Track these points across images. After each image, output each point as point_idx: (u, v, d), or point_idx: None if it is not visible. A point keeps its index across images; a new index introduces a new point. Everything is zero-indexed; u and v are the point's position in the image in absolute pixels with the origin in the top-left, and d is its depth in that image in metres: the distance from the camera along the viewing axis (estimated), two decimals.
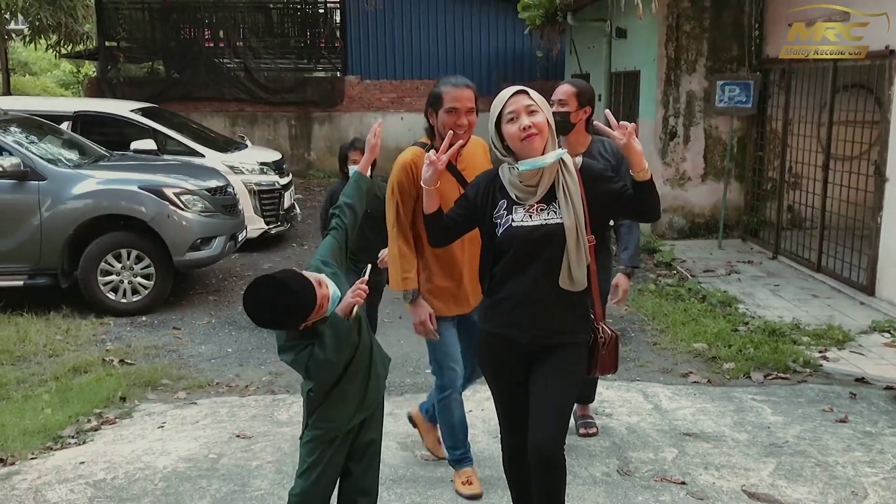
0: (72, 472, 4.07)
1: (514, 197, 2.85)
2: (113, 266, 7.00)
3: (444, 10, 16.95)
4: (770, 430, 4.50)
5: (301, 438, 2.92)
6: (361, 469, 2.96)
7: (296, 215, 10.42)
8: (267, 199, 9.58)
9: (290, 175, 10.64)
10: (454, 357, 3.70)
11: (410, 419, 4.24)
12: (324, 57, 17.53)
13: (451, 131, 3.20)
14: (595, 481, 3.93)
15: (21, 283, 6.92)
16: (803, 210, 8.63)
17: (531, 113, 2.76)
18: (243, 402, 5.05)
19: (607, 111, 2.98)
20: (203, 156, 9.36)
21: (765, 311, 6.71)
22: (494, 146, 2.88)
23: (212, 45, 17.25)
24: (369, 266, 2.85)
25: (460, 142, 3.16)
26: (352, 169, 4.10)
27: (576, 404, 4.46)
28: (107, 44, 16.97)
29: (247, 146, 10.91)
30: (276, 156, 10.58)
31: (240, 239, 8.02)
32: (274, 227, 9.68)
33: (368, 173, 3.23)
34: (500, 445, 3.22)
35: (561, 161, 2.82)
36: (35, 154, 7.03)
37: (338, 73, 17.25)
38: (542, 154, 2.78)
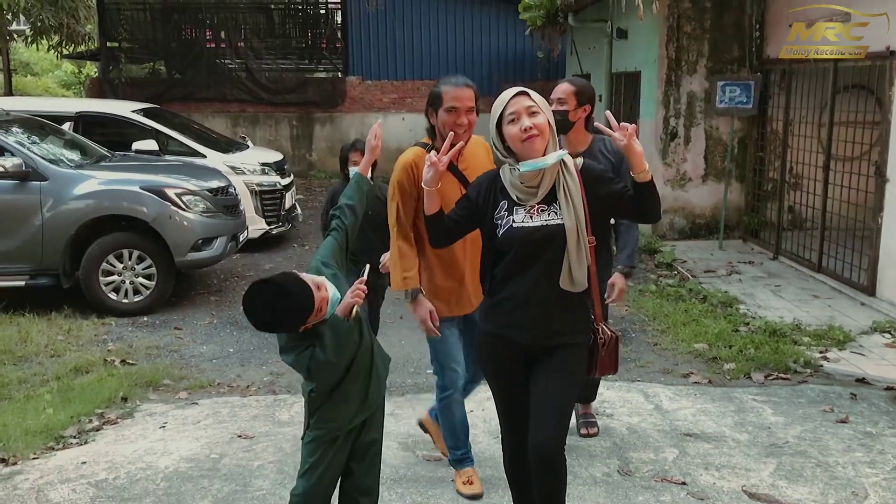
0: (74, 471, 4.08)
1: (514, 198, 2.85)
2: (114, 266, 7.01)
3: (446, 10, 16.97)
4: (771, 431, 4.51)
5: (303, 439, 2.93)
6: (363, 469, 2.97)
7: (297, 216, 10.43)
8: (268, 200, 9.59)
9: (292, 175, 10.65)
10: (455, 358, 3.70)
11: (421, 425, 4.24)
12: (325, 57, 17.54)
13: (452, 132, 3.20)
14: (596, 481, 3.93)
15: (23, 283, 6.93)
16: (804, 211, 8.64)
17: (532, 114, 2.77)
18: (245, 402, 5.06)
19: (608, 112, 2.98)
20: (204, 156, 9.37)
21: (765, 311, 6.72)
22: (495, 147, 2.89)
23: (213, 45, 17.26)
24: (368, 266, 2.86)
25: (461, 143, 3.16)
26: (352, 170, 4.11)
27: (578, 403, 4.47)
28: (108, 44, 16.98)
29: (248, 147, 10.92)
30: (278, 156, 10.59)
31: (241, 239, 8.03)
32: (275, 228, 9.69)
33: (369, 174, 3.24)
34: (500, 445, 3.23)
35: (562, 162, 2.83)
36: (37, 154, 7.04)
37: (339, 73, 17.26)
38: (543, 155, 2.79)
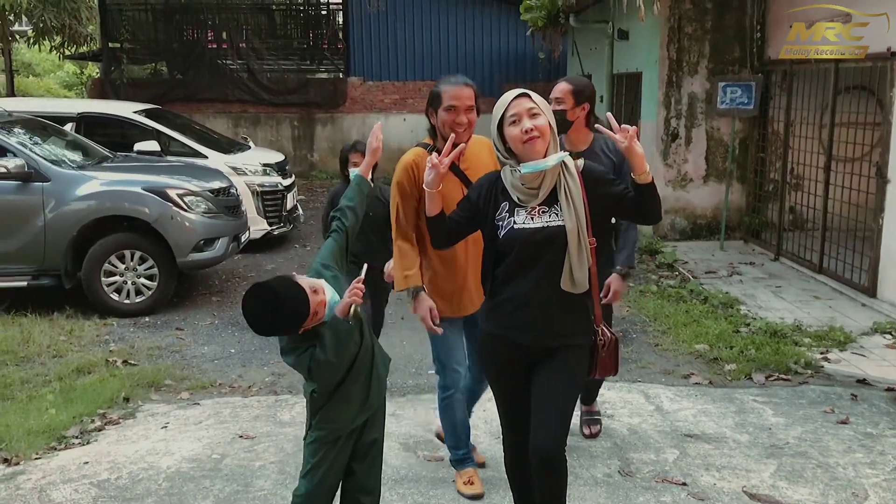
0: (76, 472, 4.09)
1: (516, 199, 2.86)
2: (116, 267, 7.03)
3: (447, 11, 16.99)
4: (771, 432, 4.52)
5: (305, 439, 2.94)
6: (365, 469, 2.98)
7: (298, 216, 10.45)
8: (270, 201, 9.61)
9: (293, 176, 10.67)
10: (457, 358, 3.72)
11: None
12: (326, 58, 17.56)
13: (453, 133, 3.21)
14: (596, 482, 3.94)
15: (25, 283, 6.95)
16: (805, 211, 8.64)
17: (533, 116, 2.78)
18: (246, 402, 5.07)
19: (609, 114, 2.99)
20: (206, 157, 9.38)
21: (766, 312, 6.72)
22: (497, 149, 2.90)
23: (215, 46, 17.28)
24: (365, 266, 2.88)
25: (462, 145, 3.17)
26: (352, 171, 4.11)
27: (585, 405, 4.47)
28: (110, 45, 17.01)
29: (250, 147, 10.94)
30: (279, 157, 10.61)
31: (243, 240, 8.04)
32: (277, 228, 9.70)
33: (370, 176, 3.25)
34: (501, 446, 3.24)
35: (563, 164, 2.84)
36: (39, 155, 7.06)
37: (340, 74, 17.27)
38: (545, 157, 2.79)
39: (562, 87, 3.95)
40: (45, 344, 6.13)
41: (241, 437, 4.51)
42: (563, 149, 3.68)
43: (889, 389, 5.13)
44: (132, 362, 5.81)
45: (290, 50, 17.53)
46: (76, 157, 7.64)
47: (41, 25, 17.07)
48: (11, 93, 18.62)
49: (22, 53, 27.63)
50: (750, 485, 3.90)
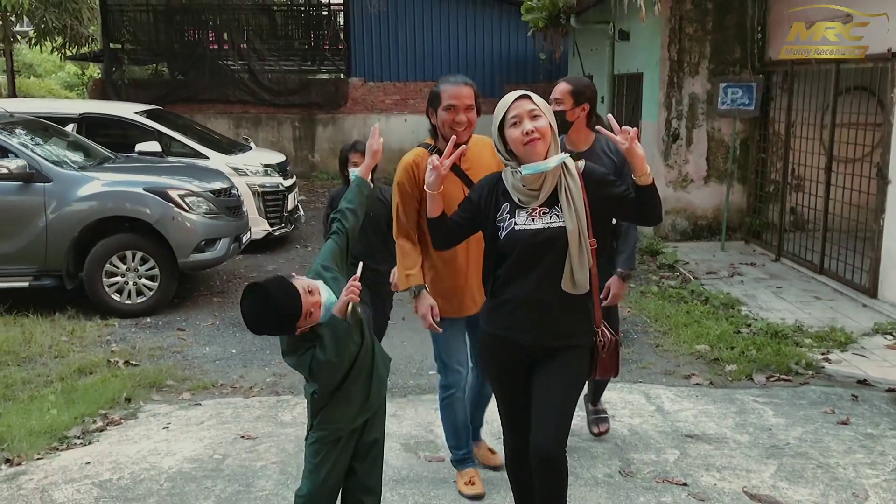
0: (78, 472, 4.10)
1: (516, 200, 2.87)
2: (118, 267, 7.04)
3: (448, 12, 17.00)
4: (772, 432, 4.52)
5: (306, 440, 2.95)
6: (366, 468, 2.99)
7: (299, 217, 10.46)
8: (271, 201, 9.62)
9: (294, 177, 10.68)
10: (458, 359, 3.72)
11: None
12: (327, 59, 17.57)
13: (454, 134, 3.21)
14: (597, 482, 3.95)
15: (27, 284, 6.96)
16: (806, 212, 8.64)
17: (534, 117, 2.78)
18: (248, 403, 5.08)
19: (610, 115, 3.00)
20: (207, 158, 9.39)
21: (767, 313, 6.73)
22: (498, 150, 2.90)
23: (216, 47, 17.30)
24: (361, 264, 2.89)
25: (463, 146, 3.18)
26: (352, 171, 4.11)
27: (591, 405, 4.47)
28: (111, 46, 17.04)
29: (251, 148, 10.95)
30: (280, 157, 10.62)
31: (244, 240, 8.05)
32: (278, 229, 9.71)
33: (370, 177, 3.26)
34: (502, 446, 3.24)
35: (564, 165, 2.84)
36: (40, 156, 7.07)
37: (341, 74, 17.28)
38: (545, 158, 2.80)
39: (561, 88, 3.95)
40: (47, 344, 6.14)
41: (242, 437, 4.51)
42: (564, 149, 3.70)
43: (890, 390, 5.13)
44: (134, 363, 5.82)
45: (291, 51, 17.55)
46: (77, 157, 7.65)
47: (42, 26, 17.10)
48: (13, 93, 18.67)
49: (23, 54, 27.68)
50: (750, 485, 3.91)
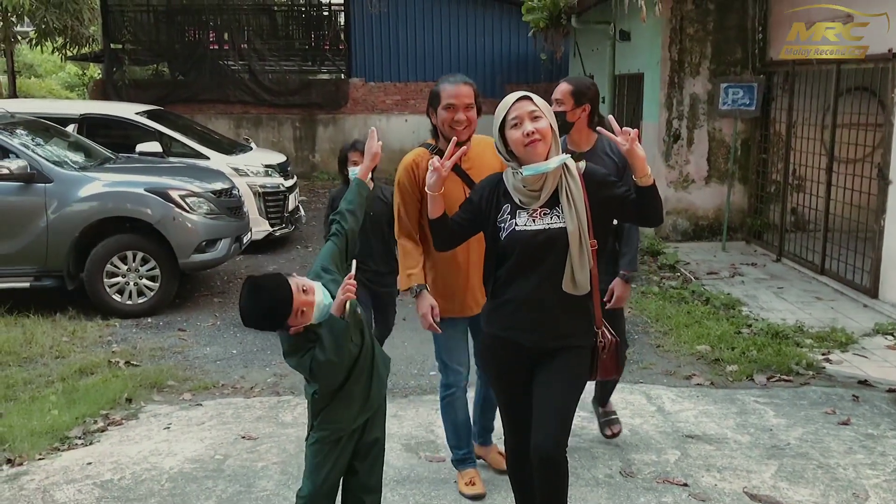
0: (79, 472, 4.10)
1: (517, 201, 2.88)
2: (119, 268, 7.04)
3: (448, 12, 17.00)
4: (772, 433, 4.52)
5: (307, 440, 2.96)
6: (366, 468, 3.00)
7: (300, 217, 10.46)
8: (271, 202, 9.62)
9: (295, 177, 10.68)
10: (459, 359, 3.72)
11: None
12: (328, 59, 17.57)
13: (454, 136, 3.21)
14: (598, 482, 3.95)
15: (27, 284, 6.97)
16: (807, 212, 8.64)
17: (535, 119, 2.79)
18: (248, 403, 5.08)
19: (610, 116, 3.00)
20: (208, 158, 9.40)
21: (768, 313, 6.73)
22: (499, 151, 2.91)
23: (216, 47, 17.31)
24: (354, 262, 2.89)
25: (464, 147, 3.18)
26: (352, 170, 4.11)
27: (600, 406, 4.46)
28: (112, 46, 17.04)
29: (251, 148, 10.96)
30: (281, 158, 10.62)
31: (244, 241, 8.05)
32: (278, 229, 9.71)
33: (369, 176, 3.27)
34: (503, 446, 3.24)
35: (564, 166, 2.85)
36: (41, 156, 7.07)
37: (342, 75, 17.28)
38: (546, 159, 2.80)
39: (562, 88, 3.95)
40: (48, 345, 6.15)
41: (243, 437, 4.52)
42: (566, 150, 3.70)
43: (890, 390, 5.13)
44: (135, 363, 5.82)
45: (291, 51, 17.55)
46: (78, 158, 7.65)
47: (43, 27, 17.11)
48: (13, 94, 18.68)
49: (24, 54, 27.69)
50: (751, 485, 3.91)
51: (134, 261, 7.07)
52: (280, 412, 4.91)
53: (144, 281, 7.10)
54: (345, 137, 15.65)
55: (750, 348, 5.80)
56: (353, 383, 2.86)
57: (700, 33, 9.48)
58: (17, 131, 7.40)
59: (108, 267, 7.01)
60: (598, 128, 3.11)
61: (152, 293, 7.12)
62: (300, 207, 10.58)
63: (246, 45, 16.97)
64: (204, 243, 7.24)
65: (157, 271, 7.11)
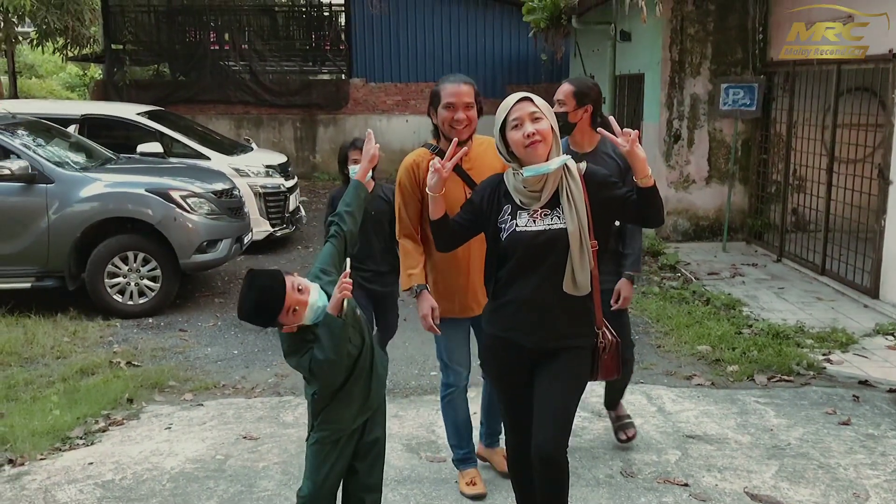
0: (80, 472, 4.11)
1: (518, 202, 2.88)
2: (120, 268, 7.05)
3: (449, 12, 17.00)
4: (773, 433, 4.52)
5: (307, 440, 2.96)
6: (367, 467, 3.01)
7: (301, 218, 10.46)
8: (272, 202, 9.62)
9: (296, 178, 10.68)
10: (459, 360, 3.73)
11: (479, 456, 4.17)
12: (329, 59, 17.58)
13: (455, 137, 3.22)
14: (598, 483, 3.95)
15: (29, 285, 6.97)
16: (807, 213, 8.64)
17: (535, 120, 2.79)
18: (249, 403, 5.09)
19: (611, 117, 3.00)
20: (209, 158, 9.40)
21: (769, 313, 6.73)
22: (500, 152, 2.91)
23: (217, 47, 17.31)
24: (348, 260, 2.90)
25: (465, 149, 3.18)
26: (352, 169, 4.11)
27: (610, 410, 4.43)
28: (113, 47, 17.05)
29: (252, 149, 10.96)
30: (282, 158, 10.62)
31: (245, 241, 8.06)
32: (279, 230, 9.72)
33: (370, 175, 3.27)
34: (504, 446, 3.25)
35: (565, 167, 2.85)
36: (42, 157, 7.08)
37: (343, 75, 17.29)
38: (547, 160, 2.81)
39: (564, 89, 3.95)
40: (49, 345, 6.15)
41: (244, 438, 4.52)
42: (568, 151, 3.71)
43: (891, 391, 5.13)
44: (136, 363, 5.83)
45: (292, 51, 17.56)
46: (79, 158, 7.66)
47: (44, 27, 17.10)
48: (14, 94, 18.68)
49: (25, 55, 27.68)
50: (751, 485, 3.91)
51: (135, 261, 7.07)
52: (281, 412, 4.91)
53: (145, 281, 7.11)
54: (345, 138, 15.48)
55: (750, 348, 5.80)
56: (352, 383, 2.86)
57: (700, 34, 9.49)
58: (19, 132, 7.40)
59: (110, 267, 7.01)
60: (599, 129, 3.11)
61: (153, 293, 7.12)
62: (301, 208, 10.59)
63: (247, 46, 16.98)
64: (205, 244, 7.25)
65: (158, 272, 7.11)
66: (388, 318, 4.94)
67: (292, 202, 10.01)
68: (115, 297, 7.04)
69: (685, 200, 9.74)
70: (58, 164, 7.14)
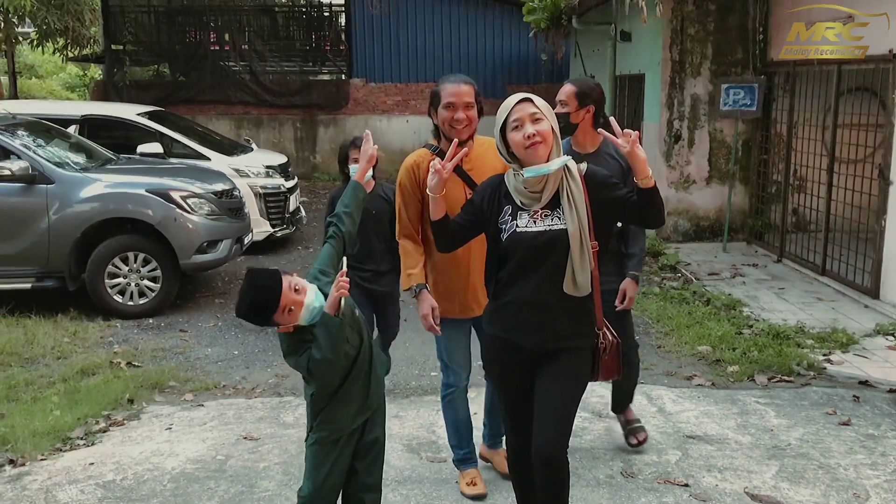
0: (81, 472, 4.11)
1: (518, 203, 2.88)
2: (120, 269, 7.05)
3: (449, 12, 17.00)
4: (773, 433, 4.52)
5: (306, 441, 2.97)
6: (366, 467, 3.01)
7: (301, 218, 10.46)
8: (272, 202, 9.62)
9: (296, 178, 10.68)
10: (459, 361, 3.73)
11: (481, 456, 4.15)
12: (329, 60, 17.57)
13: (455, 138, 3.22)
14: (599, 483, 3.95)
15: (29, 285, 6.97)
16: (808, 213, 8.65)
17: (536, 121, 2.79)
18: (250, 404, 5.09)
19: (612, 118, 3.00)
20: (209, 159, 9.40)
21: (769, 314, 6.73)
22: (500, 153, 2.91)
23: (217, 48, 17.30)
24: (345, 259, 2.90)
25: (465, 149, 3.18)
26: (352, 168, 4.12)
27: (619, 414, 4.42)
28: (113, 47, 17.05)
29: (252, 149, 10.96)
30: (282, 159, 10.62)
31: (246, 242, 8.06)
32: (279, 230, 9.72)
33: (370, 174, 3.27)
34: (504, 447, 3.25)
35: (566, 167, 2.85)
36: (43, 157, 7.08)
37: (343, 75, 17.28)
38: (547, 161, 2.81)
39: (566, 90, 3.96)
40: (50, 345, 6.15)
41: (245, 438, 4.53)
42: (570, 151, 3.71)
43: (891, 391, 5.14)
44: (136, 364, 5.83)
45: (292, 52, 17.55)
46: (80, 159, 7.66)
47: (44, 28, 17.09)
48: (15, 95, 18.68)
49: (25, 55, 27.68)
50: (752, 486, 3.91)
51: (135, 262, 7.07)
52: (282, 413, 4.91)
53: (146, 282, 7.11)
54: (345, 138, 15.61)
55: (751, 349, 5.80)
56: (351, 383, 2.87)
57: (701, 34, 9.49)
58: (19, 132, 7.40)
59: (110, 268, 7.01)
60: (600, 129, 3.11)
61: (153, 294, 7.12)
62: (301, 208, 10.59)
63: (247, 46, 16.97)
64: (205, 244, 7.25)
65: (158, 272, 7.11)
66: (389, 317, 4.94)
67: (292, 203, 10.01)
68: (115, 297, 7.04)
69: (685, 201, 9.74)
70: (58, 164, 7.14)
